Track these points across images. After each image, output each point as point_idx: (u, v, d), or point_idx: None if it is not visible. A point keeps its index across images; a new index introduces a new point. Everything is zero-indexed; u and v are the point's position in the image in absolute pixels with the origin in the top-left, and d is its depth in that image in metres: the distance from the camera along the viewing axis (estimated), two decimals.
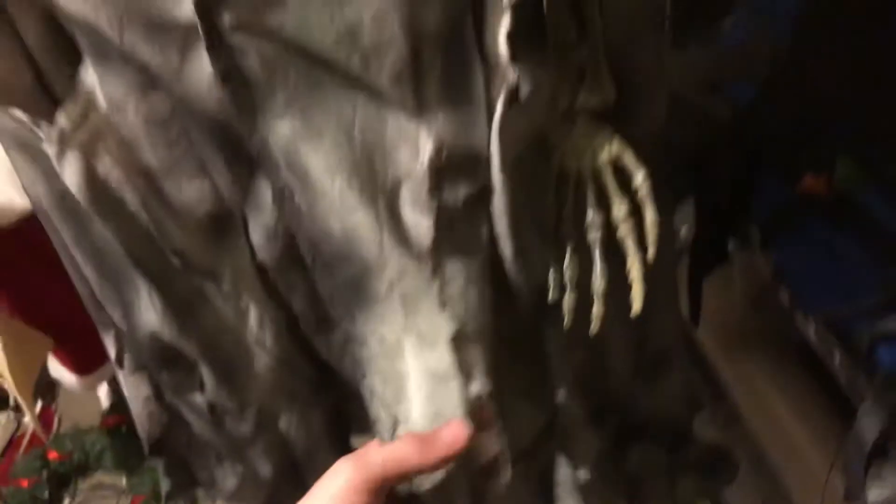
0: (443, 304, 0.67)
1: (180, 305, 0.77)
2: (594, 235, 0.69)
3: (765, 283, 1.26)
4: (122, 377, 0.97)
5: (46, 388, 1.66)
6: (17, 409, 1.72)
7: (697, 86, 1.30)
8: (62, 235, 0.78)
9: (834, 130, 1.12)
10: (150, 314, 0.79)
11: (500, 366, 0.71)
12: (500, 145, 0.63)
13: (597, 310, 0.70)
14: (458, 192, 0.65)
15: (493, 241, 0.68)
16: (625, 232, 0.67)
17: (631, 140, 0.68)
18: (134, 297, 0.79)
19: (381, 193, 0.65)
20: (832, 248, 1.13)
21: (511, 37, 0.59)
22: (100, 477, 1.55)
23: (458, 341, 0.68)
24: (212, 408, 0.87)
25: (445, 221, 0.65)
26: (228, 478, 0.96)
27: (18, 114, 0.67)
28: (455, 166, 0.64)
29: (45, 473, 1.50)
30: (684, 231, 1.48)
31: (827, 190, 1.12)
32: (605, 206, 0.69)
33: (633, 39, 0.65)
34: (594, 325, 0.70)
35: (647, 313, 0.70)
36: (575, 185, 0.68)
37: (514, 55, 0.59)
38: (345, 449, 0.89)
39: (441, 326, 0.68)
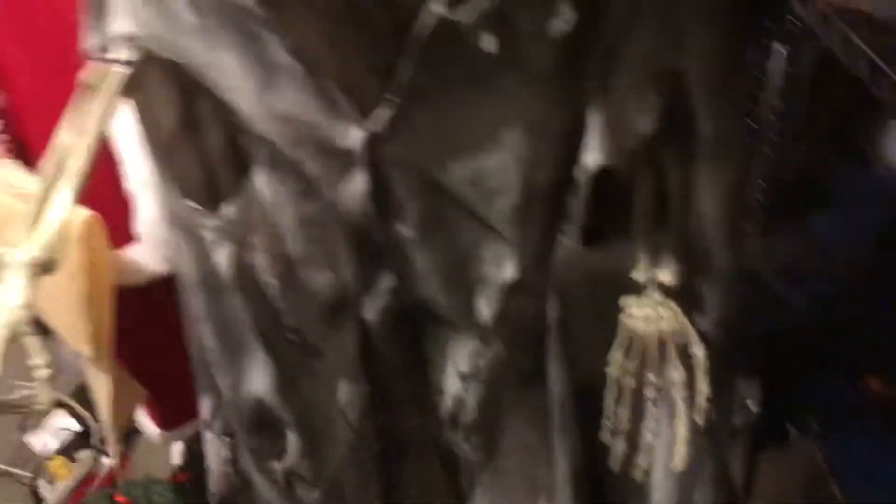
0: (475, 355, 0.85)
1: (288, 377, 0.91)
2: (650, 395, 0.78)
3: (819, 472, 1.28)
4: (208, 438, 1.08)
5: (128, 435, 1.78)
6: (97, 449, 1.84)
7: (779, 273, 1.38)
8: (196, 306, 0.92)
9: None
10: (259, 382, 0.91)
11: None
12: (559, 275, 0.79)
13: (640, 460, 0.77)
14: (524, 305, 0.81)
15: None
16: (678, 397, 0.76)
17: (700, 321, 0.78)
18: (247, 366, 0.91)
19: (462, 289, 0.82)
20: (886, 450, 1.16)
21: (588, 204, 0.73)
22: None
23: (467, 374, 0.87)
24: (287, 475, 0.98)
25: (505, 317, 0.82)
26: None
27: (190, 203, 0.82)
28: (526, 286, 0.80)
29: None
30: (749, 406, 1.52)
31: (887, 393, 1.16)
32: (664, 370, 0.77)
33: (714, 240, 0.76)
34: (637, 473, 0.78)
35: (693, 480, 0.79)
36: (640, 347, 0.78)
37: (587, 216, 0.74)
38: None
39: (463, 360, 0.86)
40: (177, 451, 1.77)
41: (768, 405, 1.28)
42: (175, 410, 1.52)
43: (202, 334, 0.93)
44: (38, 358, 0.66)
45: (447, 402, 0.89)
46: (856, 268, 1.24)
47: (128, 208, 1.25)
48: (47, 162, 0.71)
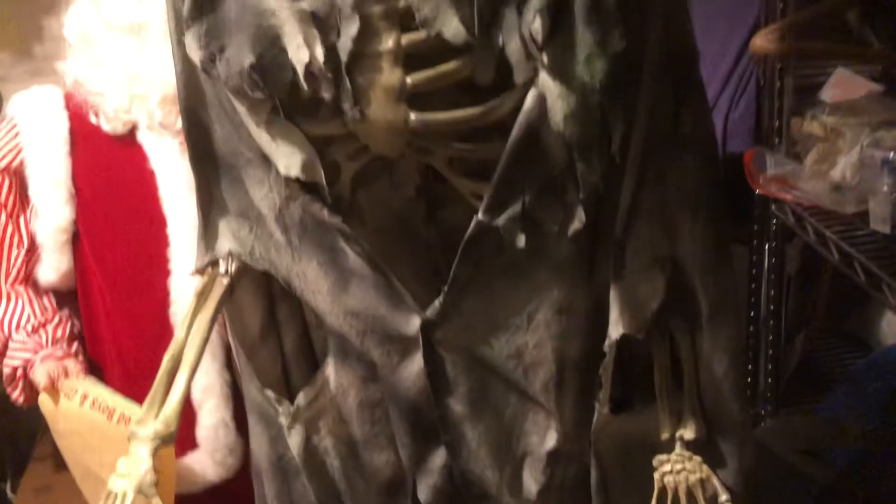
0: None
1: None
2: None
3: None
4: None
5: None
6: None
7: (797, 451, 1.46)
8: (266, 490, 1.02)
9: None
10: None
11: None
12: (597, 443, 0.88)
13: None
14: (566, 472, 0.90)
15: None
16: None
17: (722, 473, 0.88)
18: None
19: (509, 461, 0.90)
20: None
21: (615, 374, 0.85)
22: None
23: None
24: None
25: (550, 488, 0.90)
26: None
27: (269, 393, 0.95)
28: (567, 453, 0.89)
29: None
30: None
31: None
32: None
33: (724, 397, 0.88)
34: None
35: None
36: (673, 498, 0.87)
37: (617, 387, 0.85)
38: None
39: None
40: None
41: None
42: None
43: None
44: None
45: None
46: (868, 439, 1.34)
47: (189, 415, 1.36)
48: (166, 356, 0.85)
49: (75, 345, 1.38)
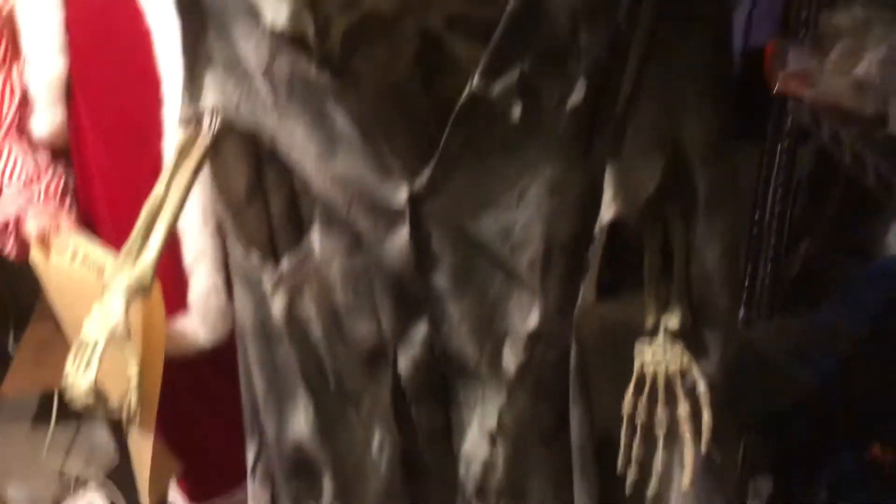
0: (503, 411, 0.93)
1: (327, 422, 0.99)
2: (660, 429, 0.86)
3: None
4: (251, 486, 1.15)
5: None
6: None
7: (786, 354, 1.46)
8: (249, 353, 1.02)
9: None
10: (300, 425, 1.00)
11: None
12: (580, 326, 0.88)
13: (652, 488, 0.85)
14: (546, 353, 0.90)
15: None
16: (685, 429, 0.84)
17: (703, 363, 0.87)
18: (291, 410, 1.00)
19: (490, 339, 0.91)
20: None
21: (605, 259, 0.83)
22: None
23: (496, 431, 0.95)
24: None
25: (529, 367, 0.91)
26: None
27: (255, 256, 0.94)
28: (548, 334, 0.89)
29: None
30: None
31: (894, 460, 1.21)
32: (672, 406, 0.86)
33: (713, 288, 0.86)
34: (649, 499, 0.85)
35: None
36: (650, 385, 0.87)
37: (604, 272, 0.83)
38: None
39: (491, 417, 0.94)
40: None
41: (780, 484, 1.34)
42: (204, 483, 1.57)
43: (253, 379, 1.03)
44: (131, 360, 0.76)
45: (475, 469, 0.97)
46: (857, 346, 1.33)
47: (181, 279, 1.36)
48: (144, 209, 0.83)
49: (68, 200, 1.36)
